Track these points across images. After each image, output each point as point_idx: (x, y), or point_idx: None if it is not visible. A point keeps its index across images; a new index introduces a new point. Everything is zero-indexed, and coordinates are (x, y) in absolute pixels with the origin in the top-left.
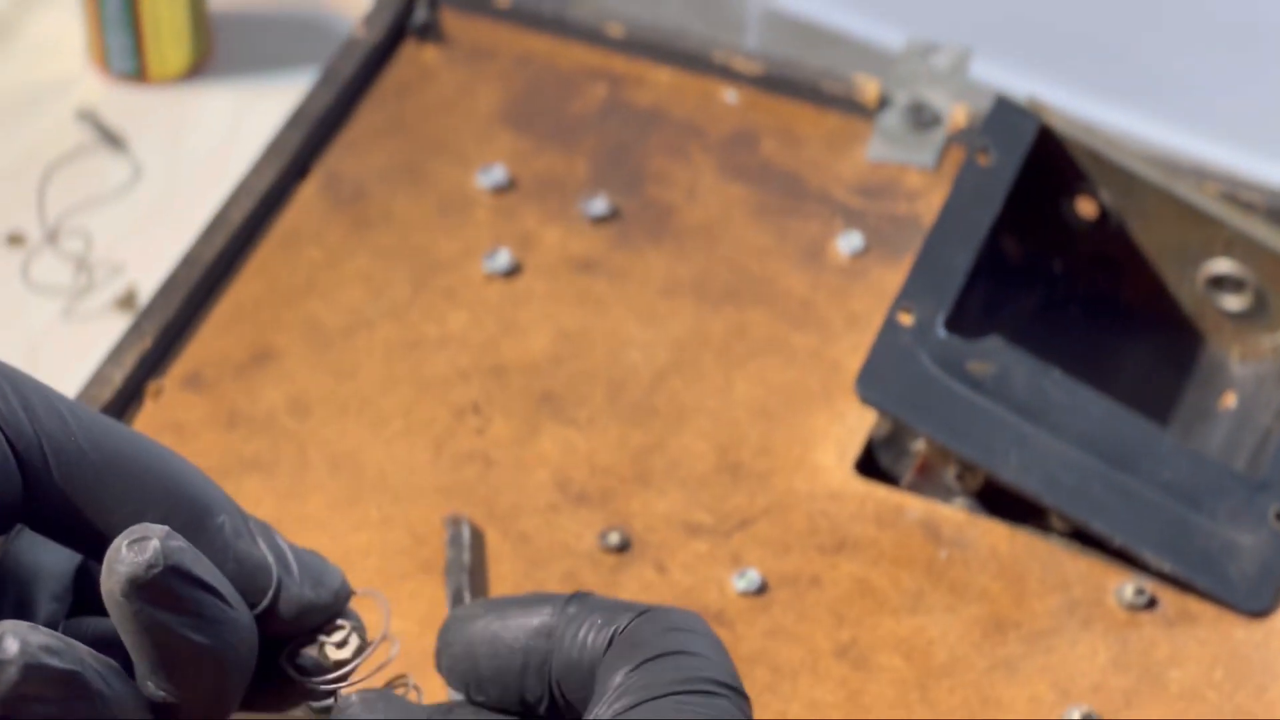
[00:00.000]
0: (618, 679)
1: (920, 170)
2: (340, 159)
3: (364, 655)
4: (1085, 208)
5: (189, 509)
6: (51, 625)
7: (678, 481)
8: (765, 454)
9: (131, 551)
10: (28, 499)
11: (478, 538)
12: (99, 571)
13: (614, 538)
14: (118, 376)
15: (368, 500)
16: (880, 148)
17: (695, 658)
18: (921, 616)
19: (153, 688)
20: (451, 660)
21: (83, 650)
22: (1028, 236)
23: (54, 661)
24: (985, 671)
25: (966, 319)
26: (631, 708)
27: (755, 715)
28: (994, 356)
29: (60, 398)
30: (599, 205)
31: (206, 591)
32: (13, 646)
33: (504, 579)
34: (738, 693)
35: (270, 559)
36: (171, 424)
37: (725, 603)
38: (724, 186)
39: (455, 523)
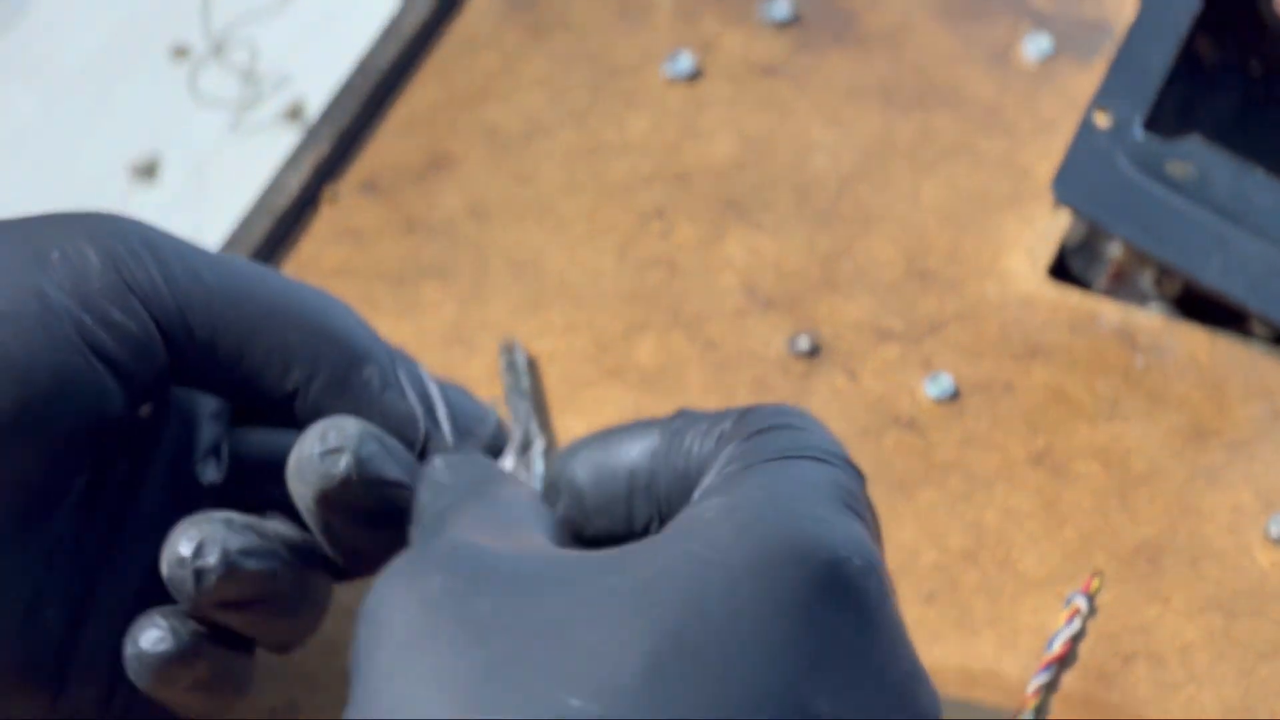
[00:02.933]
0: (726, 452)
1: None
2: None
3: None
4: None
5: (335, 362)
6: (215, 446)
7: (866, 287)
8: (955, 259)
9: (325, 462)
10: (174, 365)
11: (533, 363)
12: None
13: (804, 343)
14: (294, 182)
15: (551, 306)
16: None
17: (803, 432)
18: (1118, 424)
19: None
20: (559, 499)
21: (277, 541)
22: (1224, 37)
23: (252, 564)
24: (1186, 480)
25: (1162, 122)
26: (741, 471)
27: (952, 524)
28: (1194, 157)
29: (203, 257)
30: (781, 9)
31: (395, 487)
32: (213, 555)
33: (692, 386)
34: (849, 464)
35: (418, 411)
36: (349, 229)
37: (917, 409)
38: None
39: (509, 350)
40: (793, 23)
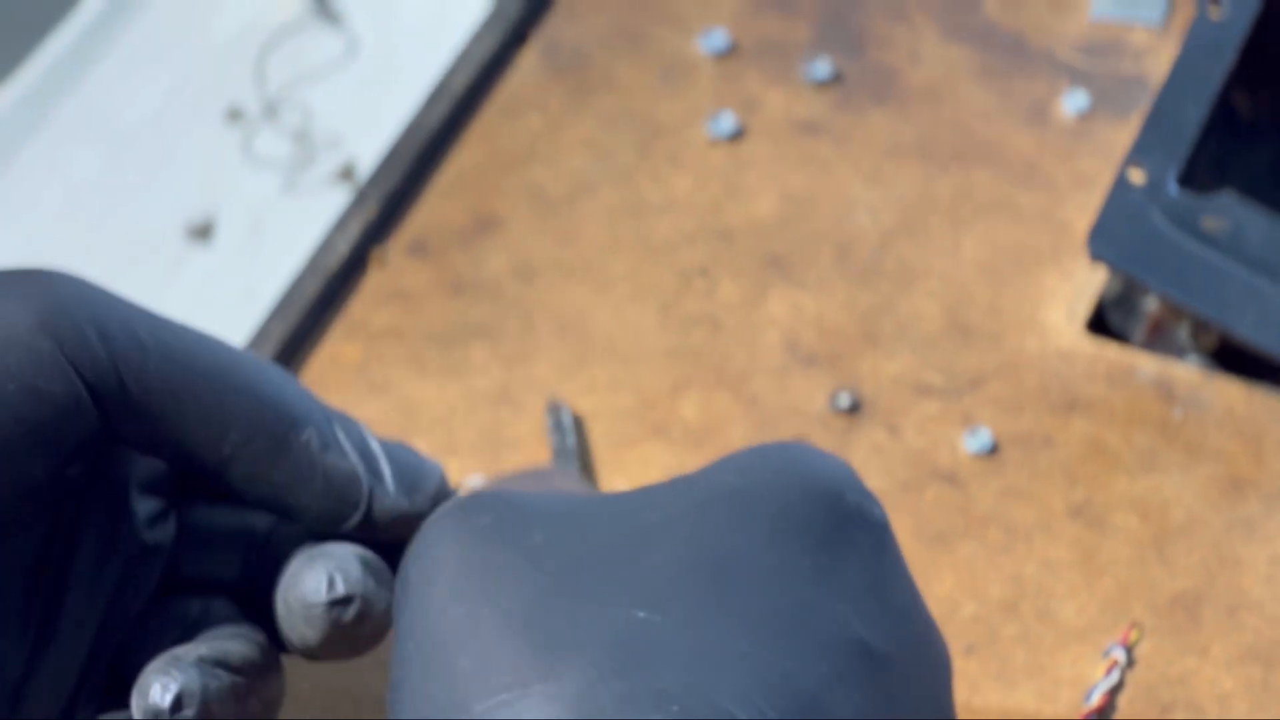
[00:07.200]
0: None
1: (1146, 28)
2: (560, 26)
3: None
4: None
5: (272, 426)
6: (152, 519)
7: (907, 342)
8: (995, 314)
9: (334, 612)
10: (106, 427)
11: (579, 422)
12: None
13: (845, 399)
14: (343, 244)
15: (595, 364)
16: (1105, 5)
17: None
18: (1157, 476)
19: None
20: None
21: (244, 668)
22: (1259, 92)
23: (229, 710)
24: (1224, 531)
25: (1197, 177)
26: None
27: (992, 576)
28: (1228, 212)
29: (142, 317)
30: (822, 69)
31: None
32: (192, 708)
33: (735, 443)
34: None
35: (360, 469)
36: (397, 291)
37: (957, 464)
38: (946, 48)
39: (555, 409)
40: (833, 82)
